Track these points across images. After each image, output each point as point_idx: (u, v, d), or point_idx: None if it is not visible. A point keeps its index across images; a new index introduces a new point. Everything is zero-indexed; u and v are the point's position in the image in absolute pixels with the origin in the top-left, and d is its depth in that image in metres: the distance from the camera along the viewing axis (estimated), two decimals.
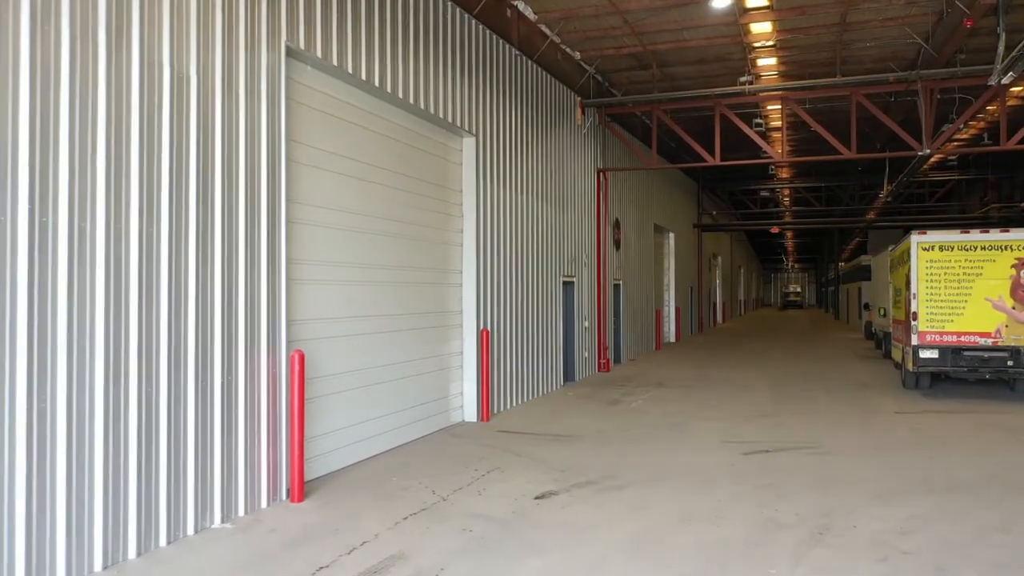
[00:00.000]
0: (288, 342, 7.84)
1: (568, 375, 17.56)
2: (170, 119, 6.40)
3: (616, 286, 21.95)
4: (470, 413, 12.34)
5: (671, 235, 31.45)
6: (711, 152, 23.39)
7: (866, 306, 29.08)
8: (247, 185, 7.25)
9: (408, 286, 10.86)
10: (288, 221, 8.06)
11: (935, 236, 14.78)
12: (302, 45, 8.10)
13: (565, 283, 17.28)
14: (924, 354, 14.60)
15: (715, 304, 47.19)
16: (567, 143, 17.51)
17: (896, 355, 18.07)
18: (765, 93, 18.71)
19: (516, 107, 14.34)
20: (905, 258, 15.91)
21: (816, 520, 6.97)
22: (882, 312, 21.02)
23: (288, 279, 7.98)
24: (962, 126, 19.52)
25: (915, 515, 7.12)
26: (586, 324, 18.56)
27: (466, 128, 12.17)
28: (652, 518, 7.11)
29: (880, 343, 26.20)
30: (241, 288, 7.15)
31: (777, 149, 18.23)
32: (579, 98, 18.20)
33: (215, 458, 6.82)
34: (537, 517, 7.11)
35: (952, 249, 14.60)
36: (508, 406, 13.52)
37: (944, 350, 14.51)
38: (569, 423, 12.09)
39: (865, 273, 36.26)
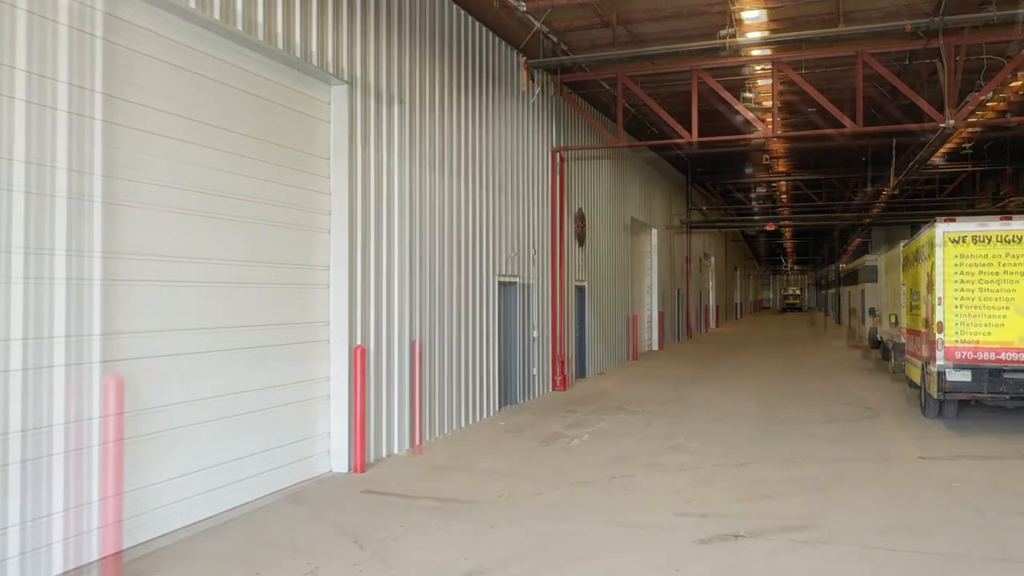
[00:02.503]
0: None
1: (508, 397, 14.26)
2: None
3: (580, 288, 18.66)
4: (339, 461, 9.05)
5: (654, 232, 28.19)
6: (689, 128, 20.12)
7: (871, 311, 25.81)
8: None
9: (238, 288, 7.59)
10: None
11: (967, 225, 11.49)
12: None
13: (504, 285, 13.99)
14: (953, 376, 11.30)
15: (707, 308, 43.90)
16: (510, 115, 14.23)
17: (911, 373, 14.75)
18: (752, 50, 15.43)
19: (428, 59, 11.05)
20: (925, 253, 12.62)
21: None
22: (893, 320, 17.72)
23: None
24: (990, 95, 16.34)
25: None
26: (535, 334, 15.27)
27: (334, 72, 8.89)
28: None
29: (888, 353, 22.90)
30: None
31: (769, 128, 15.06)
32: (524, 58, 14.92)
33: None
34: None
35: (989, 241, 11.31)
36: (407, 444, 10.28)
37: (979, 371, 11.21)
38: (471, 476, 8.80)
39: (869, 274, 32.98)
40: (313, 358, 8.79)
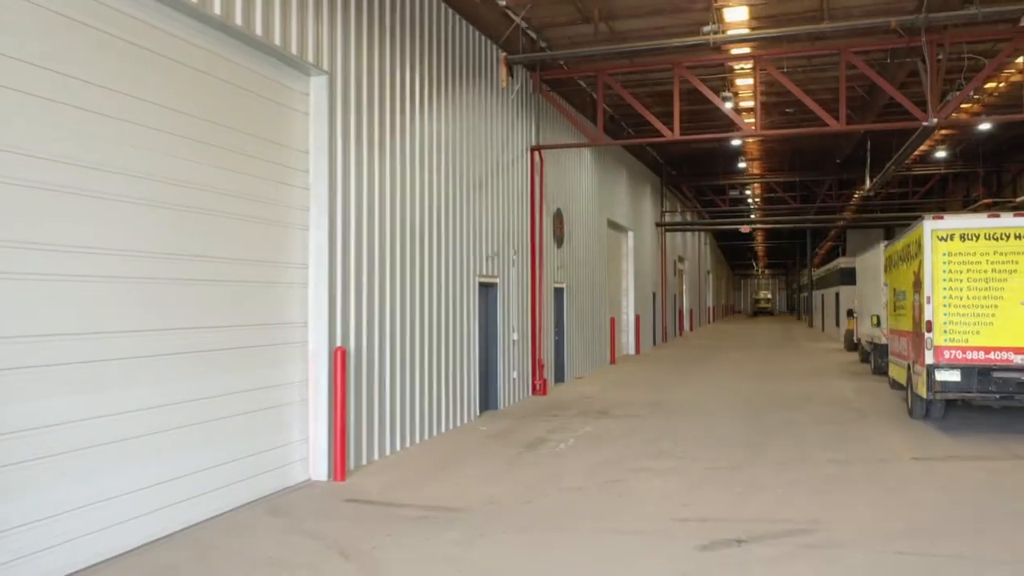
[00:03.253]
0: None
1: (489, 402, 13.89)
2: None
3: (558, 290, 18.35)
4: (318, 468, 8.60)
5: (631, 234, 27.99)
6: (671, 126, 19.94)
7: (849, 313, 25.81)
8: None
9: (192, 286, 7.09)
10: None
11: (954, 222, 11.33)
12: None
13: (483, 285, 13.63)
14: (942, 376, 11.11)
15: (682, 311, 43.87)
16: (489, 111, 13.88)
17: (897, 374, 14.61)
18: (735, 48, 15.24)
19: (406, 50, 10.65)
20: (912, 252, 12.47)
21: None
22: (875, 321, 17.62)
23: None
24: (972, 94, 16.31)
25: None
26: (515, 337, 14.91)
27: (312, 62, 8.48)
28: None
29: (867, 356, 22.87)
30: None
31: (751, 126, 14.84)
32: (504, 53, 14.58)
33: None
34: None
35: (977, 239, 11.15)
36: (392, 450, 9.85)
37: (968, 370, 11.03)
38: (457, 482, 8.40)
39: (846, 276, 33.08)
40: (286, 360, 8.35)
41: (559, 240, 18.10)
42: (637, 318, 27.91)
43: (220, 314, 7.36)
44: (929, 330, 11.24)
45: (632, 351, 27.84)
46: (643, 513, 7.20)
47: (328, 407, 8.60)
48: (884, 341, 17.82)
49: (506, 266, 14.53)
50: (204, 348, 7.12)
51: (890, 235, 43.03)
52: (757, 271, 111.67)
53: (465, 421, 12.39)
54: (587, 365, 20.57)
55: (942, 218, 11.38)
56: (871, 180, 30.34)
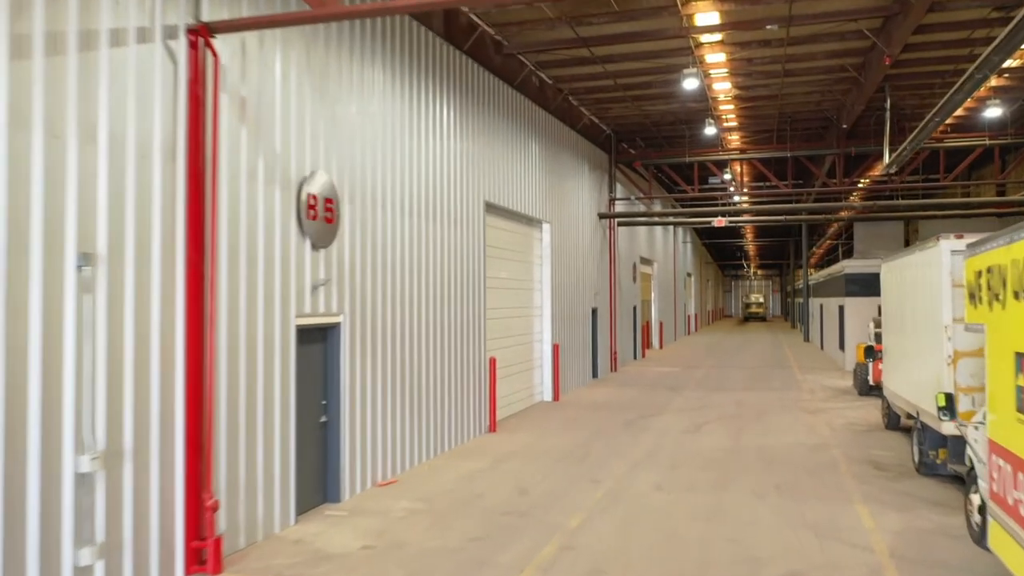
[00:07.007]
0: None
1: None
2: None
3: (324, 329, 9.59)
4: None
5: (546, 227, 19.22)
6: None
7: (868, 352, 17.09)
8: None
9: None
10: None
11: None
12: None
13: None
14: None
15: (648, 325, 35.11)
16: None
17: (1017, 565, 5.77)
18: None
19: None
20: None
21: None
22: (942, 402, 8.68)
23: None
24: None
25: None
26: (86, 468, 6.12)
27: None
28: None
29: (896, 421, 14.15)
30: None
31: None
32: None
33: None
34: None
35: None
36: None
37: None
38: None
39: (854, 285, 24.42)
40: None
41: (318, 236, 9.27)
42: (556, 348, 19.14)
43: None
44: None
45: (548, 397, 19.10)
46: None
47: None
48: (956, 431, 9.14)
49: (43, 297, 5.75)
50: None
51: (912, 230, 34.13)
52: (749, 272, 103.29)
53: None
54: (421, 449, 11.74)
55: None
56: (891, 153, 21.69)
